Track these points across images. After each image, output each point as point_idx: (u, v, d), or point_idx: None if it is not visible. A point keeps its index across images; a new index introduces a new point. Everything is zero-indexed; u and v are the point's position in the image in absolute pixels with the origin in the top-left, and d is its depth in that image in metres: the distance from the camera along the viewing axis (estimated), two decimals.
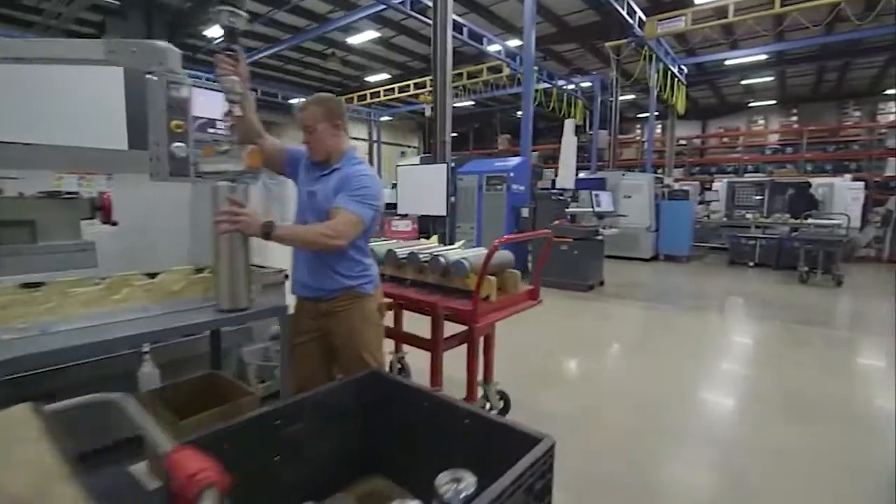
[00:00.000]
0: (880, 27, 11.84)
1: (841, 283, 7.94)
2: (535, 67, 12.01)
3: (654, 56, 11.95)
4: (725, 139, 22.92)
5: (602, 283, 7.93)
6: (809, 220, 8.63)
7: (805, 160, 19.89)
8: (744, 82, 19.09)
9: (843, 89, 20.10)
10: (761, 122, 22.18)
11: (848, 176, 11.13)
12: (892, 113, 18.98)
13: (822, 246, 8.07)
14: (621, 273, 9.17)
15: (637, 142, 23.30)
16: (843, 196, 10.49)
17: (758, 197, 11.83)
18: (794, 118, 21.04)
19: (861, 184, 10.53)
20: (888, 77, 18.34)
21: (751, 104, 22.21)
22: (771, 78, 18.67)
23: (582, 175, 11.79)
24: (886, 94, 19.22)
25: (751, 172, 19.09)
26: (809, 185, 10.76)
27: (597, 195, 7.60)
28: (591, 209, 7.44)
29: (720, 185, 13.09)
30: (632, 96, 19.75)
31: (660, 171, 20.90)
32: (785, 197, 10.89)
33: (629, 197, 10.11)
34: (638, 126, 24.37)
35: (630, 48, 10.98)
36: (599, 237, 7.32)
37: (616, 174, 10.74)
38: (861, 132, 19.04)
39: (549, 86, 15.88)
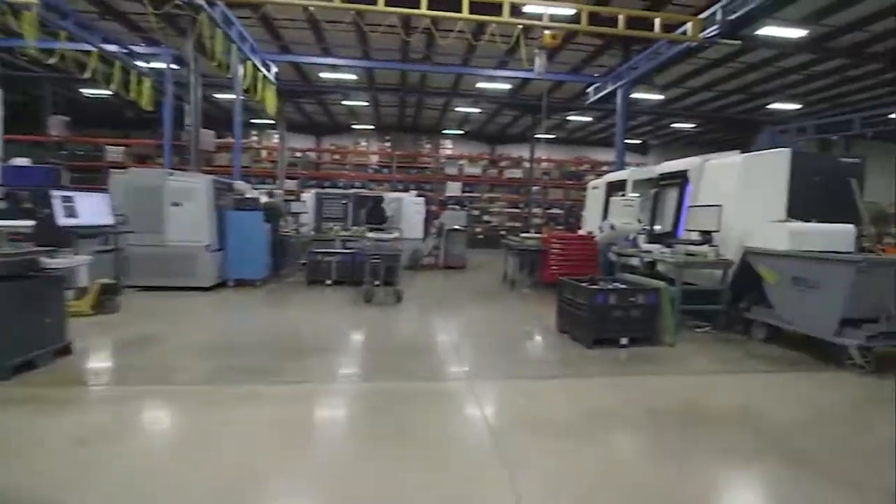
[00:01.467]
0: (442, 66, 13.77)
1: (400, 299, 7.65)
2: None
3: (232, 44, 9.87)
4: (337, 156, 23.41)
5: (67, 352, 4.28)
6: (373, 234, 8.19)
7: (397, 180, 22.40)
8: (346, 102, 19.62)
9: (419, 124, 23.66)
10: (364, 143, 23.75)
11: (413, 192, 11.97)
12: (449, 148, 23.61)
13: (385, 260, 7.59)
14: (143, 319, 5.92)
15: (252, 148, 21.06)
16: (410, 210, 11.25)
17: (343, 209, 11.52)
18: (388, 143, 23.45)
19: (422, 199, 11.59)
20: (445, 119, 22.75)
21: (354, 125, 23.42)
22: (366, 103, 19.83)
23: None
24: (445, 133, 23.85)
25: (359, 188, 20.23)
26: (382, 198, 11.11)
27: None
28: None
29: (308, 195, 12.25)
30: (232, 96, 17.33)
31: (269, 181, 19.77)
32: (363, 210, 10.77)
33: (178, 205, 7.57)
34: (254, 132, 22.24)
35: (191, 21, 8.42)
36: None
37: (163, 173, 7.95)
38: (431, 160, 22.69)
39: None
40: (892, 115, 14.11)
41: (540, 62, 7.90)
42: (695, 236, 6.33)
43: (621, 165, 11.74)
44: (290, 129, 23.36)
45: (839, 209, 5.98)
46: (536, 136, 22.46)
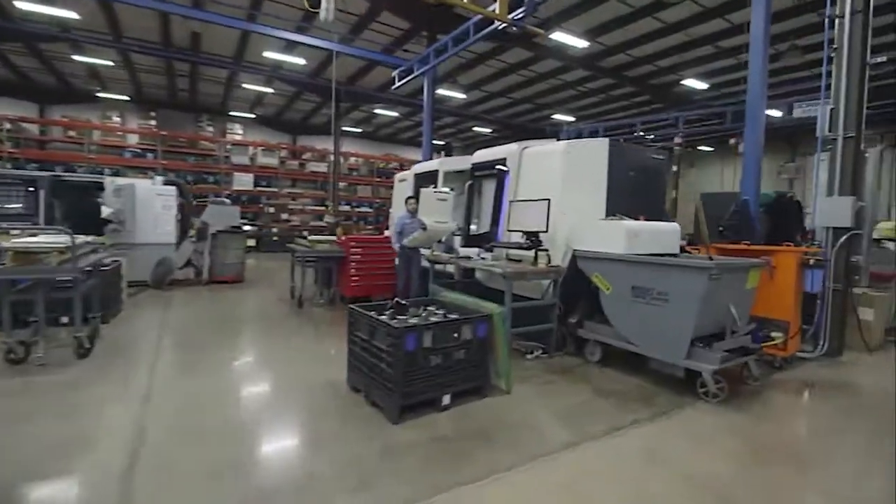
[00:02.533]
0: (213, 14, 10.23)
1: (86, 352, 4.27)
2: None
3: None
4: (72, 132, 17.03)
5: None
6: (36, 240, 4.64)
7: (165, 168, 17.39)
8: (81, 59, 14.08)
9: (198, 101, 18.96)
10: (117, 118, 17.91)
11: (159, 178, 8.46)
12: (238, 133, 19.50)
13: (43, 287, 4.26)
14: None
15: None
16: (150, 205, 7.80)
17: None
18: (153, 122, 18.14)
19: (173, 188, 8.23)
20: (232, 99, 18.65)
21: (99, 93, 17.47)
22: (113, 63, 14.63)
23: None
24: (233, 115, 19.65)
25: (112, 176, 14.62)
26: (95, 186, 7.49)
27: None
28: None
29: None
30: None
31: None
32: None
33: None
34: None
35: None
36: None
37: None
38: (215, 146, 18.32)
39: None
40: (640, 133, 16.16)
41: (327, 5, 5.73)
42: (517, 237, 5.05)
43: (429, 158, 10.40)
44: None
45: (650, 206, 5.42)
46: (343, 128, 20.25)
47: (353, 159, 20.82)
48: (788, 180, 20.07)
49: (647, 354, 4.10)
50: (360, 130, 22.33)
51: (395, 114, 19.27)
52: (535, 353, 4.70)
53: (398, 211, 7.90)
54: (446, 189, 6.09)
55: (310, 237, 7.09)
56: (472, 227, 6.17)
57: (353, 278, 6.87)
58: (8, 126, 15.37)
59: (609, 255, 4.24)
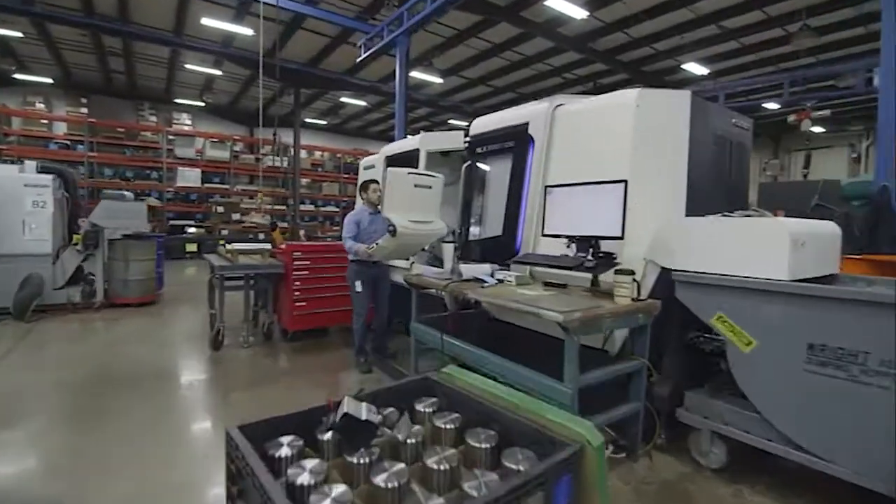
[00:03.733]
0: None
1: None
2: None
3: None
4: None
5: None
6: None
7: (98, 161, 14.52)
8: None
9: (139, 87, 16.06)
10: (41, 104, 14.86)
11: (31, 164, 5.89)
12: (186, 124, 16.68)
13: None
14: None
15: None
16: (18, 198, 5.24)
17: None
18: (85, 110, 15.14)
19: (49, 178, 5.67)
20: (177, 84, 15.86)
21: (16, 75, 14.40)
22: (21, 35, 11.74)
23: None
24: (179, 103, 16.80)
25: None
26: None
27: None
28: None
29: None
30: None
31: None
32: None
33: None
34: None
35: None
36: None
37: None
38: (158, 138, 15.47)
39: None
40: None
41: None
42: (560, 248, 2.94)
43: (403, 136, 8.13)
44: None
45: (732, 195, 3.45)
46: (307, 120, 17.73)
47: (317, 154, 18.32)
48: (773, 177, 18.87)
49: (835, 473, 2.05)
50: (325, 122, 19.82)
51: (363, 103, 16.91)
52: (607, 449, 2.58)
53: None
54: (431, 173, 3.91)
55: (228, 246, 4.71)
56: (473, 230, 4.01)
57: (298, 304, 4.60)
58: None
59: (754, 282, 2.17)
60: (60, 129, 14.93)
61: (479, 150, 3.97)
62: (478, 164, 3.97)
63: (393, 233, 3.49)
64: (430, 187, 3.80)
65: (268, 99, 17.02)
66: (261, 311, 5.13)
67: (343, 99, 16.47)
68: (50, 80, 14.91)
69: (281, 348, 4.66)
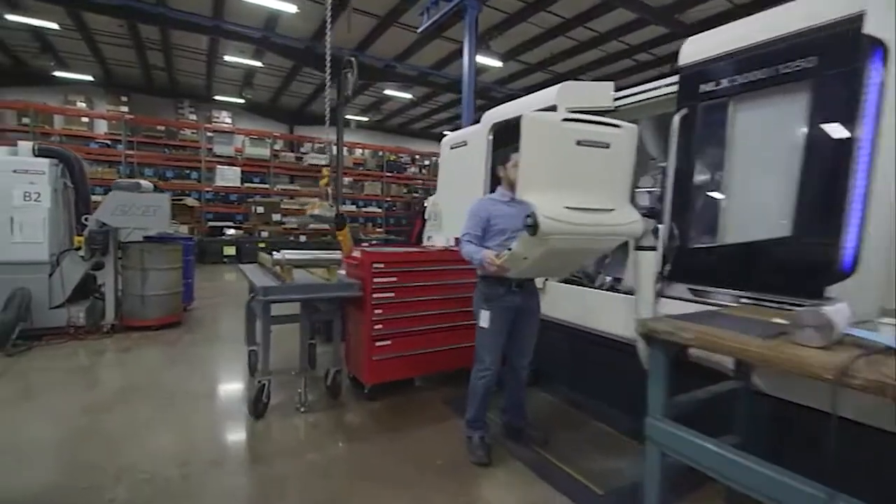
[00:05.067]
0: None
1: None
2: None
3: None
4: (26, 119, 13.01)
5: None
6: None
7: (140, 162, 13.49)
8: (18, 18, 10.14)
9: (179, 83, 15.05)
10: (82, 103, 14.00)
11: (25, 145, 4.42)
12: (226, 122, 15.50)
13: None
14: None
15: None
16: (6, 186, 3.84)
17: None
18: (125, 108, 14.18)
19: (46, 162, 4.18)
20: (217, 79, 14.71)
21: (57, 73, 13.53)
22: (57, 27, 10.71)
23: None
24: (218, 100, 15.65)
25: None
26: None
27: None
28: None
29: None
30: None
31: None
32: None
33: None
34: None
35: None
36: None
37: None
38: (197, 137, 14.34)
39: None
40: None
41: None
42: None
43: (472, 121, 6.35)
44: None
45: None
46: (348, 116, 16.32)
47: (358, 152, 16.89)
48: None
49: None
50: (366, 119, 18.38)
51: (408, 96, 15.31)
52: None
53: (447, 205, 4.05)
54: (611, 121, 2.13)
55: (277, 256, 2.89)
56: (698, 226, 2.22)
57: (379, 343, 2.92)
58: None
59: None
60: (101, 128, 14.02)
61: (713, 84, 2.17)
62: (711, 109, 2.16)
63: (532, 229, 1.78)
64: (609, 146, 2.06)
65: (308, 95, 15.71)
66: (317, 345, 3.47)
67: (387, 91, 14.93)
68: (90, 78, 14.00)
69: (355, 415, 2.97)
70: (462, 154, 4.18)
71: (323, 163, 14.34)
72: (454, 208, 3.96)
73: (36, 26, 10.72)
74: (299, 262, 2.93)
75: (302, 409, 2.94)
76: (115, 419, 2.89)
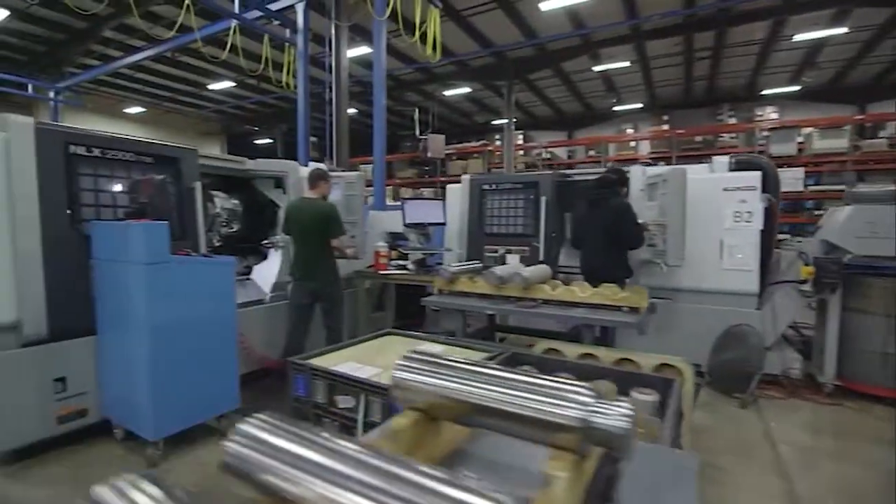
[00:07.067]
0: None
1: None
2: None
3: None
4: (592, 151, 16.36)
5: None
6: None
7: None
8: (599, 67, 12.62)
9: (716, 90, 14.40)
10: (630, 129, 16.06)
11: (722, 161, 4.24)
12: (772, 118, 13.25)
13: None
14: None
15: (476, 150, 15.95)
16: (716, 206, 3.74)
17: None
18: (665, 126, 15.02)
19: (755, 175, 3.82)
20: (764, 72, 12.73)
21: (616, 108, 16.03)
22: (627, 63, 12.34)
23: None
24: (764, 95, 13.55)
25: None
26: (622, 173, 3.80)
27: None
28: None
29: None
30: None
31: None
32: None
33: None
34: (496, 137, 17.32)
35: None
36: None
37: None
38: (738, 141, 13.05)
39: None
40: None
41: None
42: None
43: None
44: (532, 125, 17.78)
45: None
46: None
47: None
48: None
49: None
50: None
51: None
52: None
53: None
54: None
55: None
56: None
57: None
58: (543, 153, 16.04)
59: None
60: (644, 149, 15.40)
61: None
62: None
63: None
64: None
65: (891, 61, 10.82)
66: None
67: None
68: (639, 105, 15.66)
69: None
70: None
71: None
72: None
73: (609, 69, 12.66)
74: None
75: None
76: None
